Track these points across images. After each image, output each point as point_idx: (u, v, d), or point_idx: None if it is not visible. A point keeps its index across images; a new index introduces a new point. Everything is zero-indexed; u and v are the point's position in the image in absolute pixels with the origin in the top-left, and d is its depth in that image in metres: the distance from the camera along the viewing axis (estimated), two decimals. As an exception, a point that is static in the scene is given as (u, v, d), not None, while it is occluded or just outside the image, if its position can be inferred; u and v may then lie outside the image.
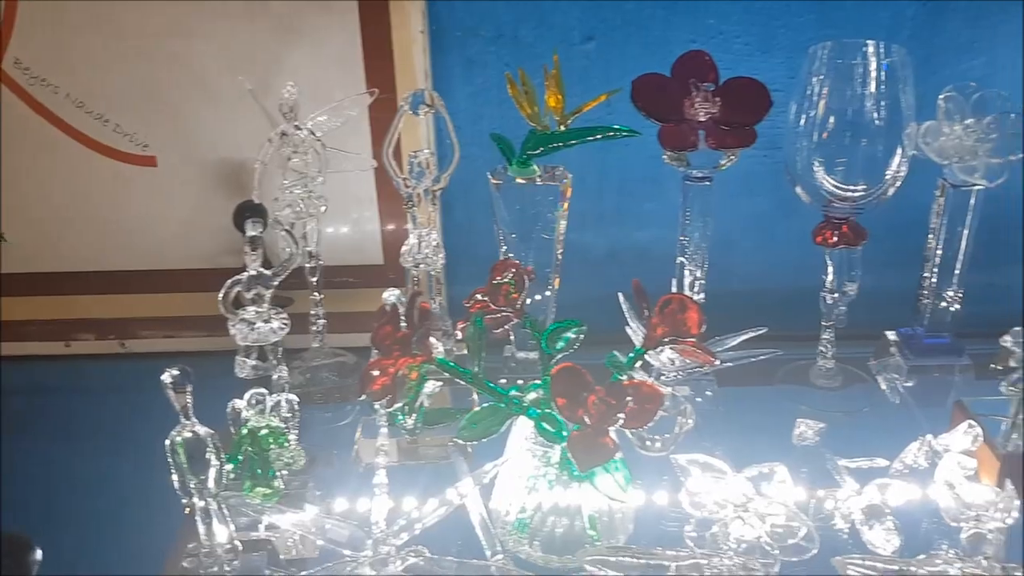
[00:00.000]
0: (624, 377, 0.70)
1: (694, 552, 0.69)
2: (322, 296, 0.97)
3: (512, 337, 1.00)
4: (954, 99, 0.87)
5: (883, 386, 0.99)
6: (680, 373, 0.90)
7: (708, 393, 1.00)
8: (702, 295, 0.97)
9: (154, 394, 0.67)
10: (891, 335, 1.02)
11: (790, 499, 0.74)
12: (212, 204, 1.04)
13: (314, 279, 0.96)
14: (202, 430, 0.67)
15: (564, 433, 0.69)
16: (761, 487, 0.74)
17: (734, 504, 0.73)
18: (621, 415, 0.65)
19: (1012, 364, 0.86)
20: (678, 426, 0.89)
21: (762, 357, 0.90)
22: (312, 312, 0.98)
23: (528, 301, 0.97)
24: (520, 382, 0.77)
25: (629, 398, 0.65)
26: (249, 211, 0.92)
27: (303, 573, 0.72)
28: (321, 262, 0.96)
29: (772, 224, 1.11)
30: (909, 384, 0.99)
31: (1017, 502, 0.75)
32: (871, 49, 0.85)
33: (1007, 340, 0.84)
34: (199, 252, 1.08)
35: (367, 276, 1.08)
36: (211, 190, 1.05)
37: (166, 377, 0.64)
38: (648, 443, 0.88)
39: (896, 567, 0.69)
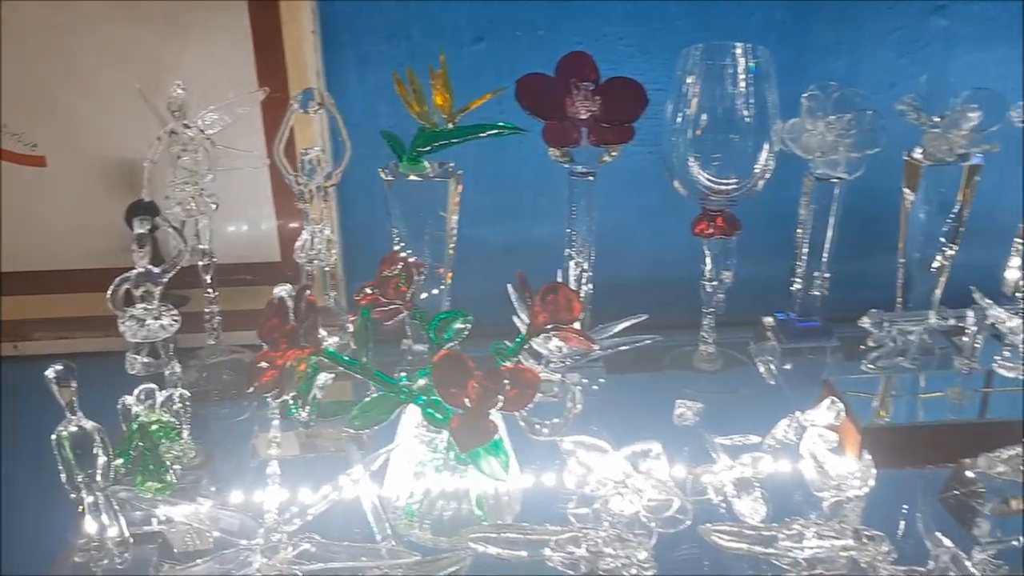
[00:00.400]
0: (506, 363, 0.73)
1: (573, 526, 0.73)
2: (216, 293, 0.98)
3: (409, 331, 1.03)
4: (816, 98, 0.93)
5: (760, 368, 1.05)
6: (567, 360, 0.94)
7: (601, 380, 1.04)
8: (590, 286, 1.01)
9: (48, 396, 0.68)
10: (768, 320, 1.08)
11: (665, 474, 0.78)
12: (104, 203, 1.04)
13: (208, 277, 0.97)
14: (88, 424, 0.68)
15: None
16: (639, 464, 0.79)
17: (613, 481, 0.77)
18: (500, 398, 0.69)
19: (871, 344, 0.93)
20: (567, 411, 0.93)
21: (645, 342, 0.95)
22: (207, 310, 0.99)
23: (423, 296, 1.00)
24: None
25: (507, 382, 0.69)
26: (141, 210, 0.93)
27: (198, 561, 0.73)
28: (215, 259, 0.96)
29: (660, 217, 1.16)
30: (787, 367, 1.05)
31: (874, 471, 0.81)
32: (739, 51, 0.90)
33: (865, 321, 0.90)
34: (93, 251, 1.08)
35: (264, 273, 1.09)
36: (103, 189, 1.04)
37: (50, 372, 0.65)
38: (538, 428, 0.92)
39: (757, 532, 0.73)
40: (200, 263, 0.95)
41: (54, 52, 0.99)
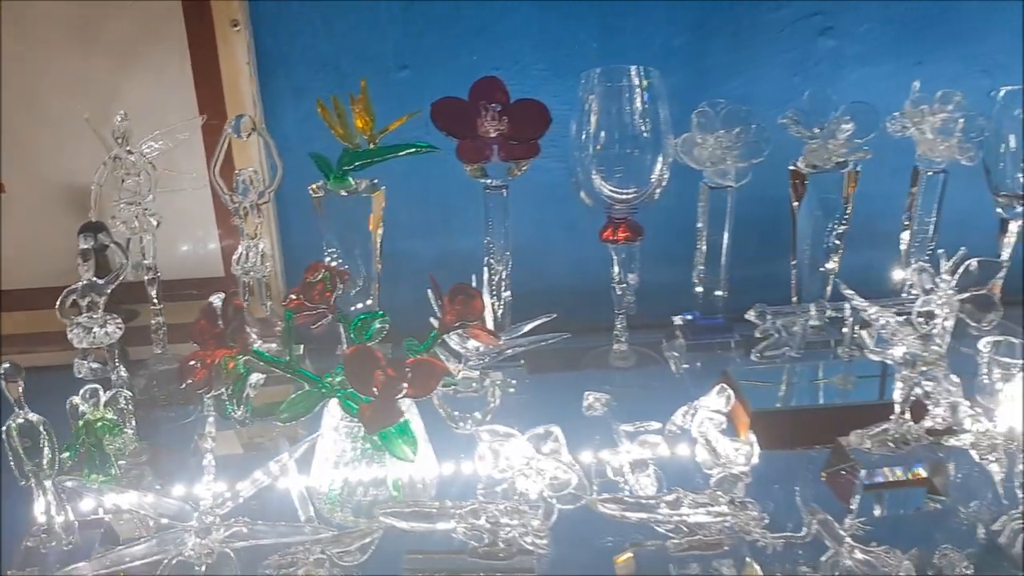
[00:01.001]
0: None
1: (476, 501, 0.81)
2: (161, 306, 1.06)
3: (344, 336, 1.11)
4: (706, 114, 1.02)
5: (671, 364, 1.13)
6: (485, 358, 1.02)
7: (527, 381, 1.12)
8: (508, 293, 1.10)
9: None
10: (676, 320, 1.17)
11: (565, 455, 0.86)
12: (59, 224, 1.12)
13: (153, 290, 1.04)
14: (35, 417, 0.75)
15: (364, 406, 0.80)
16: (541, 447, 0.87)
17: (519, 463, 0.85)
18: (404, 385, 0.77)
19: (757, 335, 1.02)
20: (487, 406, 1.02)
21: (553, 340, 1.03)
22: (153, 321, 1.06)
23: (358, 307, 1.09)
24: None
25: (408, 371, 0.77)
26: (90, 229, 1.01)
27: (139, 541, 0.80)
28: (159, 274, 1.04)
29: (577, 227, 1.24)
30: (696, 362, 1.14)
31: (757, 450, 0.89)
32: (633, 73, 1.00)
33: (750, 315, 0.99)
34: (50, 270, 1.15)
35: (209, 288, 1.15)
36: (58, 211, 1.12)
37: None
38: (459, 422, 1.00)
39: (638, 501, 0.82)
40: (145, 278, 1.03)
41: (11, 85, 1.07)
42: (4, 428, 0.75)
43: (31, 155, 1.11)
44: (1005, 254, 1.11)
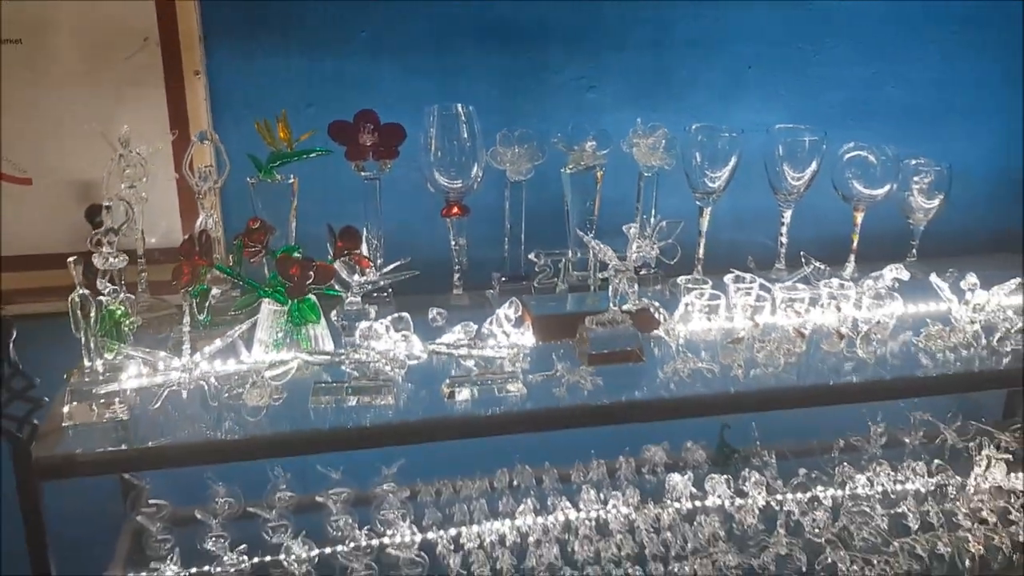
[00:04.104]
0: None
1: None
2: (145, 260, 1.57)
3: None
4: (507, 135, 1.62)
5: (491, 301, 1.70)
6: (365, 287, 1.56)
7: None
8: (382, 259, 1.65)
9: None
10: (495, 275, 1.74)
11: (411, 330, 1.41)
12: (71, 207, 1.61)
13: (141, 248, 1.56)
14: (87, 292, 1.26)
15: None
16: (397, 327, 1.41)
17: (383, 333, 1.40)
18: (311, 273, 1.32)
19: (536, 271, 1.60)
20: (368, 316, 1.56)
21: (407, 275, 1.58)
22: (140, 270, 1.58)
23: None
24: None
25: (314, 267, 1.32)
26: (97, 207, 1.52)
27: (146, 375, 1.30)
28: (145, 236, 1.56)
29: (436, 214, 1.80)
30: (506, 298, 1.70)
31: (531, 334, 1.46)
32: (460, 108, 1.58)
33: (531, 256, 1.58)
34: (63, 240, 1.63)
35: (174, 253, 1.68)
36: (70, 198, 1.62)
37: (71, 260, 1.24)
38: (348, 327, 1.54)
39: (446, 347, 1.38)
40: (136, 237, 1.55)
41: (44, 108, 1.59)
42: (70, 300, 1.26)
43: (53, 158, 1.61)
44: (703, 228, 1.74)
